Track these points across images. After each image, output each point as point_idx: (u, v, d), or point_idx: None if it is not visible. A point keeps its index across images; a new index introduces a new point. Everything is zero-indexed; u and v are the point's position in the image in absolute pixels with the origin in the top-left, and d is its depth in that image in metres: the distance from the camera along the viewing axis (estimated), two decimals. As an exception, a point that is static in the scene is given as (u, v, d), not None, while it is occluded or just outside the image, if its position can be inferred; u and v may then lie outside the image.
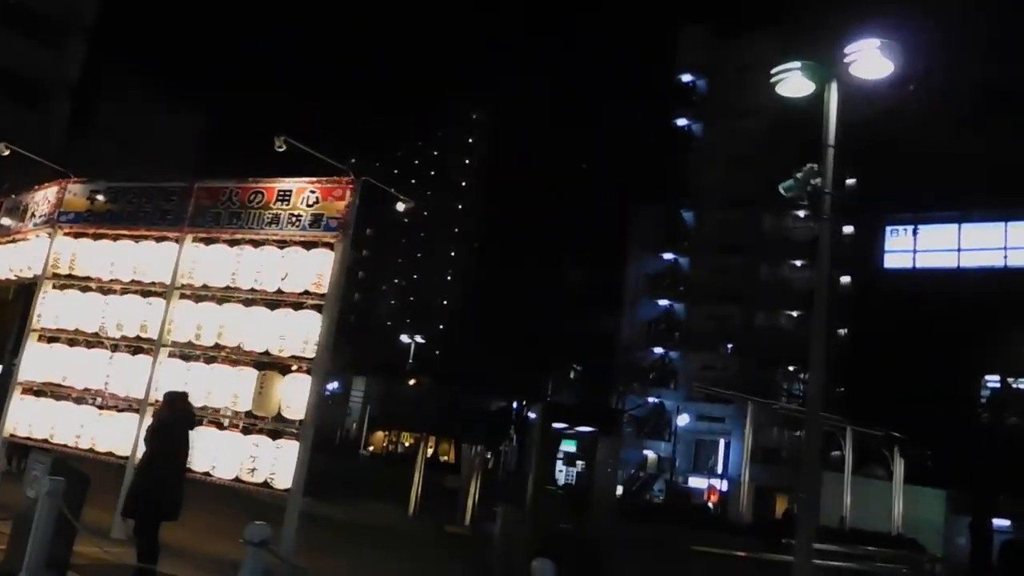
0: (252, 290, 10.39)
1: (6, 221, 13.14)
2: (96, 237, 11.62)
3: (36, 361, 11.45)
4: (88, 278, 11.49)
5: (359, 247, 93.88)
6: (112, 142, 32.21)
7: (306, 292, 10.06)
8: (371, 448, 54.51)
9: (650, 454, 51.81)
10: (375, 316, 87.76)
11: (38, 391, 11.32)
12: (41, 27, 32.21)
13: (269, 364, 10.01)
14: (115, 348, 11.01)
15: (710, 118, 53.52)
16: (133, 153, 29.05)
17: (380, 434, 54.74)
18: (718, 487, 47.90)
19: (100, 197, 11.92)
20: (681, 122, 55.57)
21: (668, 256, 54.65)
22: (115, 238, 11.46)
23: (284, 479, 9.49)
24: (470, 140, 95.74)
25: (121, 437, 10.49)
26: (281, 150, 10.24)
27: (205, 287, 10.71)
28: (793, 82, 9.68)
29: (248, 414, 9.96)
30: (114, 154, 28.88)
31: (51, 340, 11.47)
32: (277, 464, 9.59)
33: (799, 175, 9.53)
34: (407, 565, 12.47)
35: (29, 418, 11.26)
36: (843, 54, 9.11)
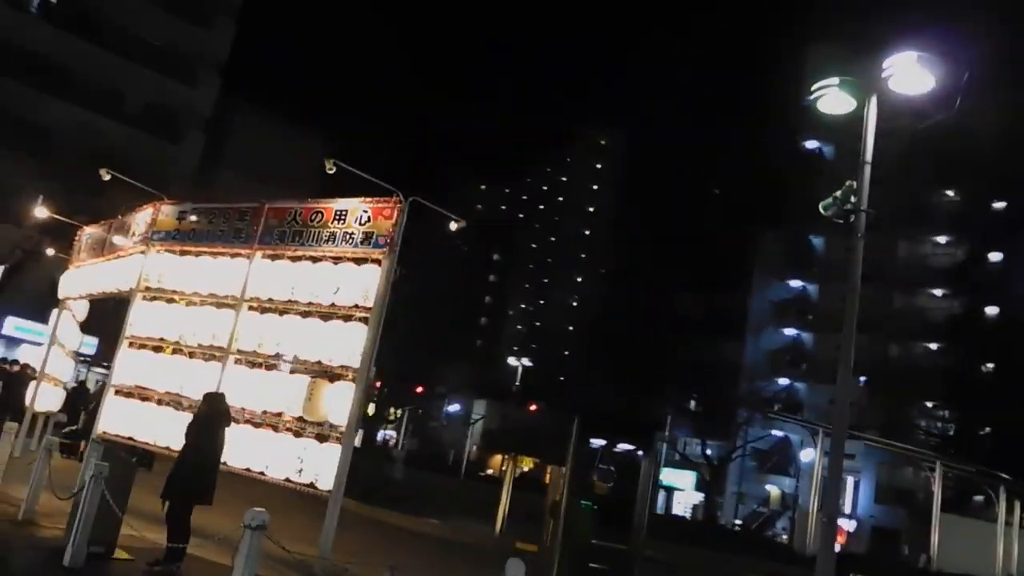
0: (309, 303, 11.08)
1: (117, 240, 14.54)
2: (182, 254, 12.71)
3: (126, 366, 12.60)
4: (173, 291, 12.56)
5: (485, 273, 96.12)
6: (241, 171, 34.68)
7: (356, 305, 10.64)
8: (490, 470, 55.28)
9: (773, 489, 50.10)
10: (503, 341, 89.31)
11: (127, 393, 12.45)
12: (181, 66, 35.15)
13: (320, 372, 10.64)
14: (191, 355, 11.98)
15: (840, 139, 51.71)
16: (261, 181, 31.02)
17: (498, 457, 55.49)
18: (845, 528, 45.69)
19: (193, 217, 13.04)
20: (810, 144, 53.97)
21: (795, 283, 52.96)
22: (197, 255, 12.51)
23: (327, 480, 10.05)
24: (598, 166, 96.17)
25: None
26: (331, 172, 10.91)
27: (270, 300, 11.50)
28: (833, 99, 9.52)
29: (299, 419, 10.61)
30: (242, 182, 31.03)
31: (140, 347, 12.60)
32: (322, 466, 10.17)
33: (838, 193, 9.35)
34: (438, 568, 12.94)
35: (119, 417, 12.39)
36: (880, 68, 8.90)
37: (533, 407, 56.52)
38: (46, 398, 15.66)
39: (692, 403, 54.45)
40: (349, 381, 10.37)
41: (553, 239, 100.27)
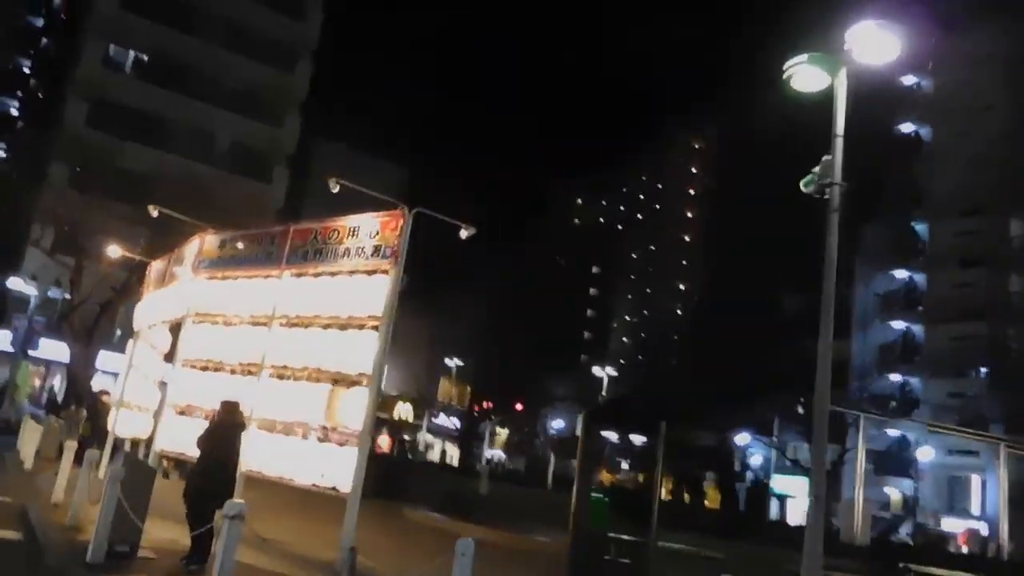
0: (330, 316, 11.72)
1: (176, 270, 15.70)
2: (223, 279, 13.64)
3: (180, 386, 13.60)
4: (217, 314, 13.49)
5: (587, 285, 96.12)
6: (325, 202, 36.16)
7: (369, 315, 11.21)
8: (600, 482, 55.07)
9: (894, 493, 47.91)
10: (608, 355, 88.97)
11: (181, 411, 13.42)
12: (266, 108, 37.17)
13: (339, 380, 11.24)
14: (233, 372, 12.83)
15: (939, 120, 49.44)
16: (345, 210, 32.26)
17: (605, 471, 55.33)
18: (972, 529, 43.11)
19: (234, 244, 13.99)
20: (906, 128, 51.83)
21: (901, 273, 50.74)
22: (235, 279, 13.40)
23: (346, 483, 10.59)
24: (693, 170, 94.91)
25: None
26: (335, 190, 11.55)
27: (297, 316, 12.22)
28: (805, 75, 9.43)
29: (322, 426, 11.22)
30: (329, 212, 32.41)
31: (192, 367, 13.57)
32: (341, 470, 10.72)
33: (816, 169, 9.28)
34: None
35: (175, 434, 13.36)
36: (843, 40, 8.83)
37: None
38: (129, 423, 16.91)
39: (799, 406, 52.94)
40: (364, 387, 10.90)
41: (653, 247, 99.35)
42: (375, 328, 11.02)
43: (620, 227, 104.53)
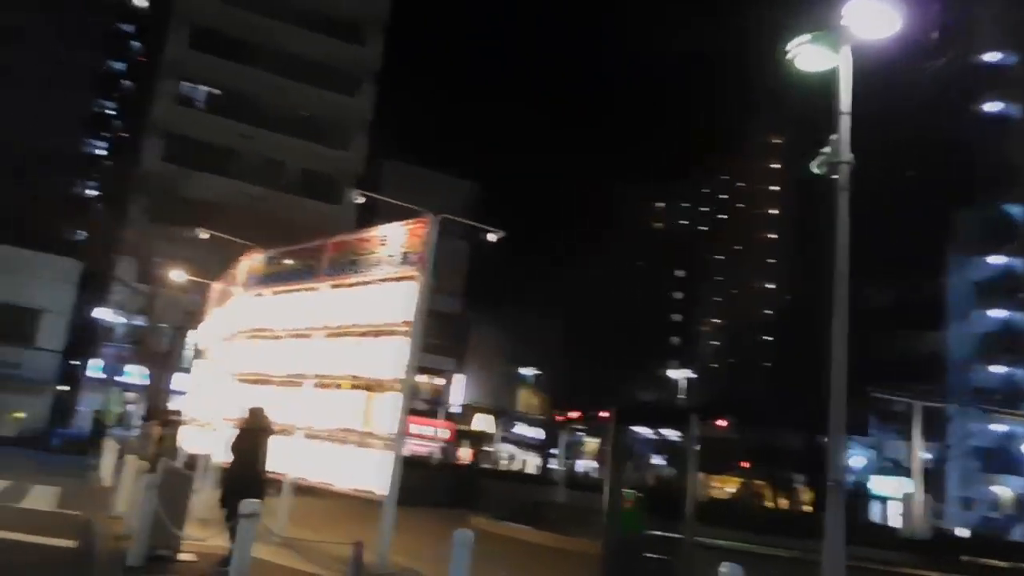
0: (366, 325, 11.99)
1: (233, 289, 16.31)
2: (271, 295, 14.11)
3: (233, 399, 14.10)
4: (264, 328, 13.96)
5: (671, 289, 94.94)
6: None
7: (402, 321, 11.41)
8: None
9: (1004, 491, 45.60)
10: (698, 355, 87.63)
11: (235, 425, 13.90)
12: (332, 132, 38.25)
13: (374, 386, 11.47)
14: (280, 384, 13.23)
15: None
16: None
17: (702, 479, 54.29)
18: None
19: (283, 261, 14.47)
20: (992, 106, 49.56)
21: (997, 260, 48.44)
22: (280, 294, 13.85)
23: (382, 486, 10.79)
24: (774, 165, 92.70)
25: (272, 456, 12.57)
26: (360, 202, 11.81)
27: (338, 326, 12.53)
28: (810, 55, 9.21)
29: (363, 432, 11.46)
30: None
31: (243, 381, 14.06)
32: (377, 473, 10.93)
33: (826, 148, 9.02)
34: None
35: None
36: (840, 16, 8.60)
37: (723, 423, 54.93)
38: (196, 439, 17.59)
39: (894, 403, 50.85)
40: (397, 391, 11.10)
41: (739, 247, 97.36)
42: (406, 334, 11.18)
43: (704, 228, 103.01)
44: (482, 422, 43.82)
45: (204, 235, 16.79)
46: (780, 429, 45.59)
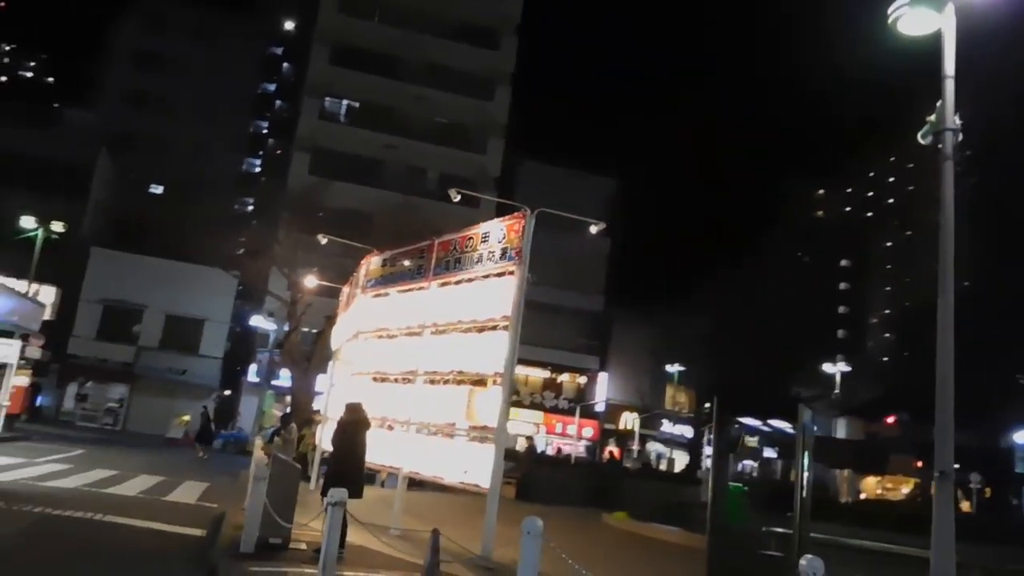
0: (471, 321, 12.17)
1: (356, 291, 16.99)
2: (386, 295, 14.58)
3: (350, 395, 14.66)
4: (380, 328, 14.44)
5: (836, 280, 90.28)
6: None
7: (502, 316, 11.52)
8: (862, 495, 51.33)
9: None
10: (869, 348, 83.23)
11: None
12: (471, 138, 39.07)
13: (478, 381, 11.63)
14: (396, 381, 13.65)
15: None
16: (550, 229, 33.23)
17: (871, 480, 51.34)
18: None
19: (396, 262, 14.93)
20: None
21: None
22: (394, 294, 14.28)
23: (485, 480, 10.92)
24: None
25: (390, 450, 12.99)
26: (457, 200, 11.98)
27: (446, 323, 12.80)
28: (912, 17, 8.54)
29: (469, 426, 11.65)
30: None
31: (365, 379, 14.59)
32: (481, 467, 11.07)
33: (931, 117, 8.35)
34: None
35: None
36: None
37: (891, 419, 51.77)
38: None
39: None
40: (498, 385, 11.20)
41: (909, 232, 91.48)
42: (505, 328, 11.26)
43: (869, 215, 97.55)
44: (628, 420, 43.38)
45: (323, 240, 17.58)
46: (958, 426, 42.47)
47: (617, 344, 44.89)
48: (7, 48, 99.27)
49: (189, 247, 31.16)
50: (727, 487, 10.30)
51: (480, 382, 11.55)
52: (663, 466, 43.61)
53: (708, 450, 41.95)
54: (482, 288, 11.99)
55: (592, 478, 26.66)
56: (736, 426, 10.49)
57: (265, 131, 50.03)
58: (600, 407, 42.48)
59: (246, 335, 38.66)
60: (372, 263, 15.35)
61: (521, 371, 42.57)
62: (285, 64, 50.11)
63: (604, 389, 42.80)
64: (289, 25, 49.82)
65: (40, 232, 27.45)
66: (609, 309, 44.81)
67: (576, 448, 41.34)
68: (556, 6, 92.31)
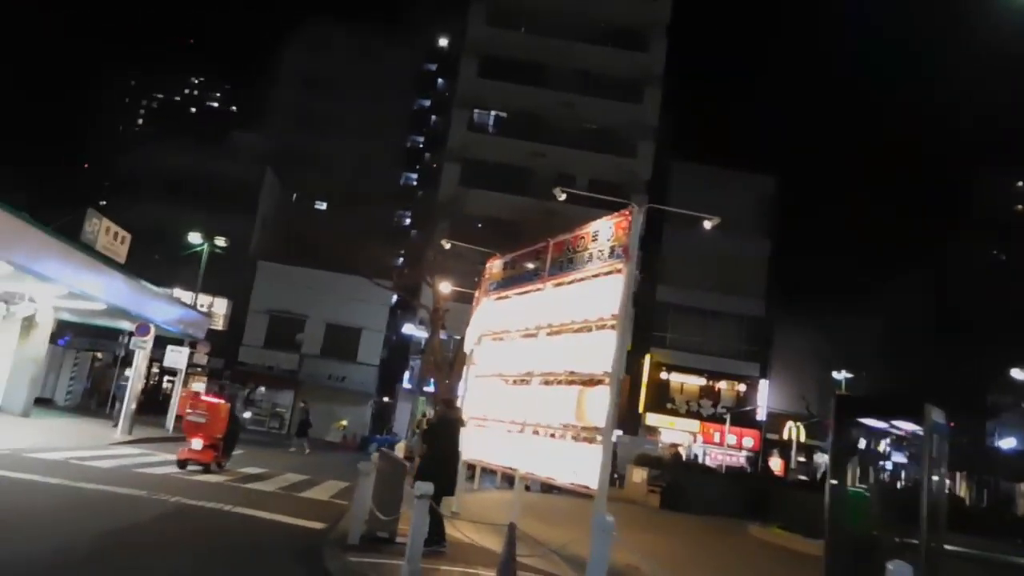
0: (583, 320, 12.03)
1: (481, 295, 17.19)
2: (506, 298, 14.65)
3: (474, 398, 14.83)
4: (501, 331, 14.52)
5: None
6: (684, 223, 36.57)
7: (611, 315, 11.32)
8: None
9: None
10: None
11: (478, 423, 14.60)
12: (620, 142, 38.72)
13: (588, 381, 11.46)
14: (514, 382, 13.66)
15: None
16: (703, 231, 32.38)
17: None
18: None
19: (516, 264, 14.99)
20: None
21: None
22: (514, 296, 14.33)
23: (593, 480, 10.74)
24: None
25: (507, 451, 13.00)
26: (562, 198, 11.85)
27: (560, 324, 12.71)
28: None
29: (581, 427, 11.50)
30: (686, 232, 32.79)
31: (489, 381, 14.71)
32: (590, 467, 10.90)
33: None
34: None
35: (473, 444, 14.56)
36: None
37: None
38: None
39: None
40: (605, 385, 10.99)
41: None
42: (613, 327, 11.05)
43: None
44: (792, 430, 41.36)
45: (447, 245, 17.91)
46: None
47: (780, 350, 43.00)
48: (195, 81, 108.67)
49: (350, 259, 32.64)
50: (846, 492, 9.61)
51: (590, 382, 11.37)
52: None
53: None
54: (592, 287, 11.81)
55: (743, 488, 25.68)
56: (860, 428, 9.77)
57: (422, 145, 51.83)
58: (761, 415, 40.78)
59: (401, 343, 40.04)
60: (495, 267, 15.48)
61: (677, 378, 41.59)
62: (439, 79, 51.71)
63: (765, 397, 41.06)
64: (443, 41, 51.39)
65: (205, 247, 29.67)
66: (771, 313, 42.99)
67: (736, 459, 39.88)
68: (707, 3, 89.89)
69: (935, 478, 9.28)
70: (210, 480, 14.72)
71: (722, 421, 40.08)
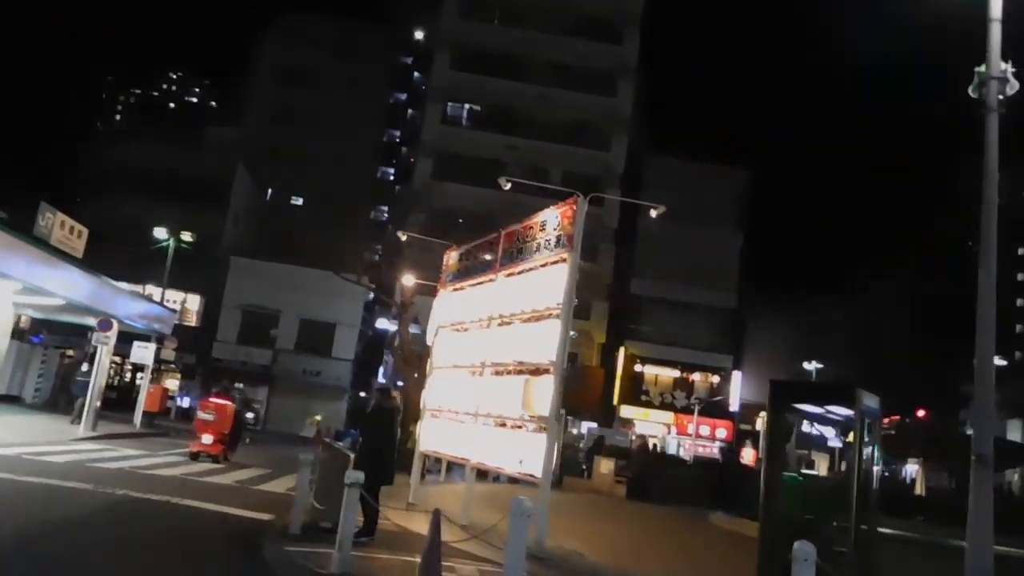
0: (532, 311, 12.09)
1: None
2: (461, 289, 14.71)
3: (433, 391, 14.89)
4: (457, 322, 14.57)
5: (1013, 270, 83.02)
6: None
7: (557, 304, 11.38)
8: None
9: None
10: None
11: (433, 414, 14.68)
12: (592, 135, 38.73)
13: (534, 370, 11.53)
14: (472, 373, 13.71)
15: None
16: (678, 221, 32.52)
17: None
18: None
19: (471, 255, 15.04)
20: None
21: None
22: (468, 287, 14.39)
23: (538, 468, 10.81)
24: None
25: (459, 442, 13.08)
26: (507, 187, 11.91)
27: (510, 314, 12.77)
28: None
29: (520, 416, 11.57)
30: (660, 224, 32.86)
31: (444, 372, 14.77)
32: (535, 456, 10.97)
33: (980, 68, 7.58)
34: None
35: (431, 436, 14.63)
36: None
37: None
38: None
39: None
40: (550, 374, 11.06)
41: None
42: (558, 317, 11.12)
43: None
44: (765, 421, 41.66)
45: (403, 237, 17.95)
46: None
47: (752, 342, 43.28)
48: (174, 76, 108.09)
49: (325, 254, 32.57)
50: (781, 478, 9.72)
51: (536, 371, 11.44)
52: (803, 468, 41.46)
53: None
54: (540, 277, 11.92)
55: (711, 478, 25.80)
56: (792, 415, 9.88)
57: (398, 140, 51.71)
58: (734, 406, 41.03)
59: (377, 338, 39.98)
60: (451, 258, 15.54)
61: (651, 371, 41.78)
62: (416, 73, 51.56)
63: (738, 388, 41.31)
64: (419, 34, 51.24)
65: (171, 242, 29.50)
66: (743, 306, 43.25)
67: (711, 450, 40.08)
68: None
69: (874, 464, 9.43)
70: (169, 474, 14.71)
71: (694, 411, 40.33)
